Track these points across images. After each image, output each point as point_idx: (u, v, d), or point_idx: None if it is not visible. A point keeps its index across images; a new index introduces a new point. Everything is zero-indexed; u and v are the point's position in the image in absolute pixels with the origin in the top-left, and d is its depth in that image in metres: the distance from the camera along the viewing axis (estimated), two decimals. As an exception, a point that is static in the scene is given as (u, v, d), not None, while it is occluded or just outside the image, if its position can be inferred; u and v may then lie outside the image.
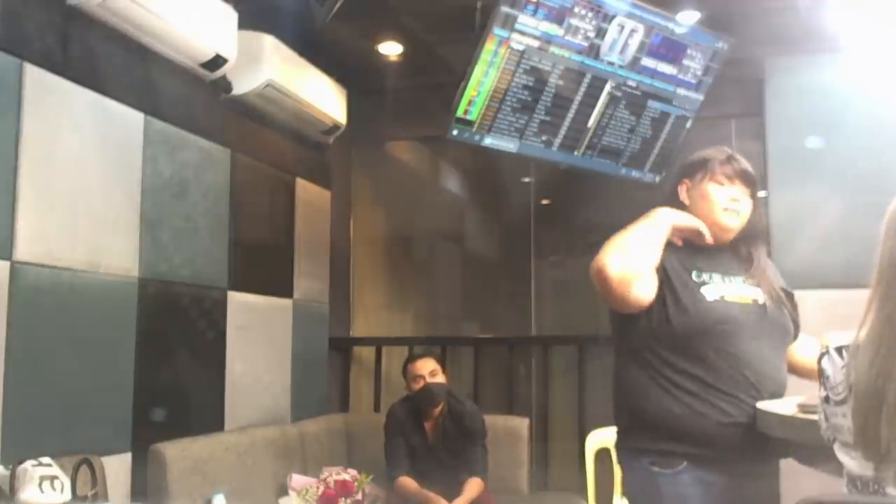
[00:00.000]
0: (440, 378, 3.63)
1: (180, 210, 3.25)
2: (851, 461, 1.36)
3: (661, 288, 2.03)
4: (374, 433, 3.78)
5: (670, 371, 2.01)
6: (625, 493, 2.19)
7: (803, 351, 2.22)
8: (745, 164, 2.15)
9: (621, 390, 2.15)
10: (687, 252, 2.12)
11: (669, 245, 2.10)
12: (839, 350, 1.40)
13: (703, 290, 2.04)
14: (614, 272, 1.95)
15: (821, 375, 1.44)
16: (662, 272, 2.05)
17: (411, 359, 3.72)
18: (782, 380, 2.09)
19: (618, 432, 2.17)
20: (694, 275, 2.06)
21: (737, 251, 2.18)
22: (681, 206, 2.17)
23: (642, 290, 2.00)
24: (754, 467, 2.05)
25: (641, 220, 2.08)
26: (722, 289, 2.06)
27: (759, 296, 2.10)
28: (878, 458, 1.28)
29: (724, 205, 2.11)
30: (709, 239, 2.11)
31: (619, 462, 2.19)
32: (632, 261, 1.98)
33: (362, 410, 4.69)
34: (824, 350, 1.44)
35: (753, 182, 2.16)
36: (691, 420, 1.97)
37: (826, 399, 1.43)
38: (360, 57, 4.27)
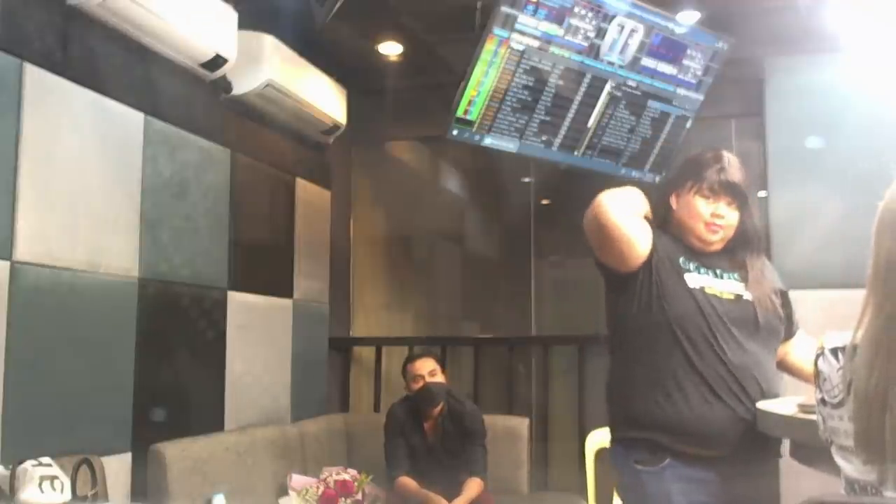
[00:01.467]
0: (439, 378, 3.63)
1: (180, 210, 3.25)
2: (848, 465, 1.34)
3: (649, 272, 2.07)
4: (374, 433, 3.78)
5: (652, 362, 2.03)
6: (618, 493, 2.19)
7: (800, 352, 2.22)
8: (735, 176, 2.14)
9: (611, 387, 2.18)
10: (679, 245, 2.15)
11: (663, 236, 2.15)
12: (835, 351, 1.38)
13: (686, 276, 2.07)
14: (614, 208, 2.04)
15: (817, 377, 1.42)
16: (653, 256, 2.08)
17: (410, 359, 3.72)
18: (769, 377, 2.08)
19: (610, 430, 2.19)
20: (681, 261, 2.10)
21: (731, 255, 2.19)
22: (668, 208, 2.21)
23: (640, 231, 2.08)
24: (745, 465, 2.04)
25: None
26: (705, 280, 2.09)
27: (745, 293, 2.11)
28: (880, 463, 1.26)
29: (707, 219, 2.13)
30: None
31: (611, 461, 2.21)
32: (627, 201, 2.11)
33: (362, 410, 4.69)
34: (820, 351, 1.42)
35: (742, 195, 2.15)
36: (671, 410, 1.99)
37: (822, 401, 1.41)
38: (360, 57, 4.27)
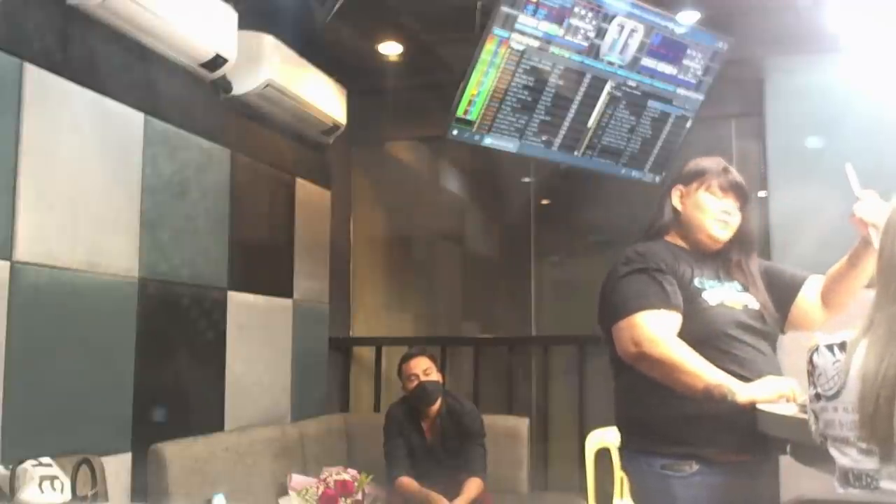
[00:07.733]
0: (434, 376, 3.63)
1: (180, 210, 3.25)
2: (844, 456, 1.38)
3: None
4: (374, 433, 3.78)
5: None
6: (634, 498, 2.18)
7: (814, 293, 2.24)
8: (739, 178, 2.19)
9: (625, 394, 2.16)
10: (685, 258, 2.15)
11: (672, 251, 2.14)
12: (830, 347, 1.43)
13: (703, 295, 2.07)
14: (657, 357, 1.96)
15: (811, 374, 1.47)
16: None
17: (405, 358, 3.72)
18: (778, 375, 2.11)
19: (622, 436, 2.17)
20: (696, 282, 2.09)
21: (727, 258, 2.21)
22: (673, 210, 2.21)
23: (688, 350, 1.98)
24: (761, 466, 2.08)
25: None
26: (721, 294, 2.10)
27: (750, 301, 2.14)
28: (886, 450, 1.30)
29: (717, 216, 2.15)
30: None
31: (625, 466, 2.19)
32: (677, 364, 1.95)
33: (362, 410, 4.70)
34: (814, 348, 1.47)
35: (746, 196, 2.19)
36: (700, 421, 1.98)
37: (816, 396, 1.45)
38: (360, 57, 4.27)
